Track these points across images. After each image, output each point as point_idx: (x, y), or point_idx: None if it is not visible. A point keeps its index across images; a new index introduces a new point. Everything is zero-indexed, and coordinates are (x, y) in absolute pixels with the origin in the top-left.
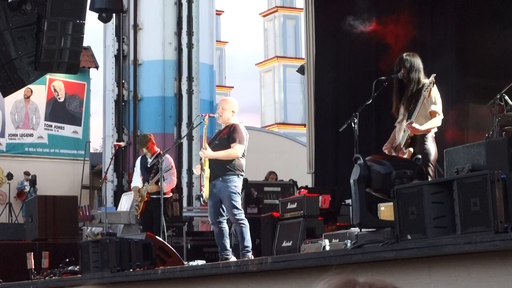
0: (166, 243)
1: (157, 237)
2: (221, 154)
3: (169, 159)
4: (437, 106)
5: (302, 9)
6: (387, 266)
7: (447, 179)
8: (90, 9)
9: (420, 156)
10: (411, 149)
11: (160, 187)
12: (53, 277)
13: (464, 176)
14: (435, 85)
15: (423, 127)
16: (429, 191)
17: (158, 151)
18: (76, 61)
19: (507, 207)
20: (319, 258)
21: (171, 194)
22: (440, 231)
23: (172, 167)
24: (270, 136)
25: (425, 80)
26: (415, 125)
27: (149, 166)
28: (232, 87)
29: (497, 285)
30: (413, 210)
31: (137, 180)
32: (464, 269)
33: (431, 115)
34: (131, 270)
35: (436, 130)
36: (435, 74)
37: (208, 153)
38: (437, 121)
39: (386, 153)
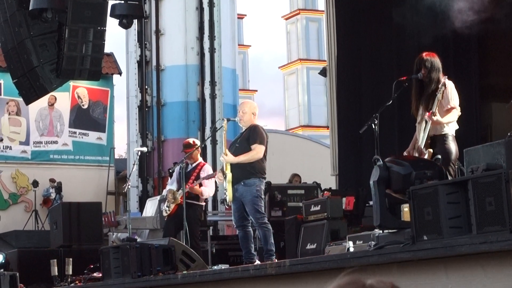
0: (189, 247)
1: (180, 241)
2: (243, 158)
3: (209, 168)
4: (454, 102)
5: (324, 11)
6: (404, 267)
7: (461, 179)
8: (111, 15)
9: (439, 156)
10: (431, 150)
11: (202, 191)
12: (77, 284)
13: (478, 176)
14: (450, 83)
15: (443, 120)
16: (444, 191)
17: (200, 161)
18: (97, 67)
19: None
20: (337, 260)
21: (204, 202)
22: (456, 231)
23: (213, 176)
24: (294, 138)
25: (442, 80)
26: (435, 117)
27: (188, 171)
28: (256, 91)
29: None
30: (429, 210)
31: (173, 185)
32: (480, 269)
33: (447, 112)
34: (152, 275)
35: (457, 127)
36: (446, 76)
37: (229, 158)
38: (455, 115)
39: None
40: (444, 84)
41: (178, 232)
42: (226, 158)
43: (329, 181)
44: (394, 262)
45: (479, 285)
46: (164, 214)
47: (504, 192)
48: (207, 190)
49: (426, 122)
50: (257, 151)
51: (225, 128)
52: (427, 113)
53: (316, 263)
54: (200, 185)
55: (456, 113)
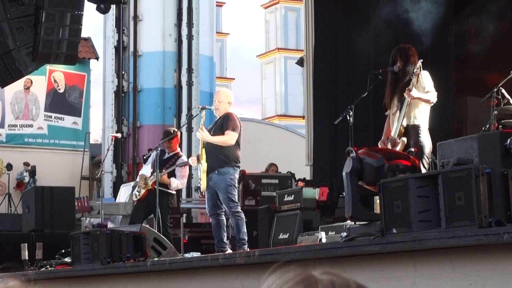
0: (161, 234)
1: (151, 228)
2: (217, 139)
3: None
4: (429, 86)
5: (302, 0)
6: (373, 260)
7: (432, 173)
8: (88, 0)
9: (413, 149)
10: (404, 139)
11: (170, 181)
12: (48, 268)
13: (449, 170)
14: (422, 69)
15: (422, 96)
16: (415, 185)
17: (178, 151)
18: (74, 52)
19: (491, 202)
20: (306, 251)
21: (175, 191)
22: (425, 225)
23: (187, 164)
24: (270, 128)
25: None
26: (413, 92)
27: (164, 159)
28: (233, 79)
29: (481, 279)
30: (399, 203)
31: (146, 170)
32: (448, 263)
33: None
34: (122, 262)
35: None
36: (422, 60)
37: (205, 135)
38: (432, 95)
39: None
40: (420, 68)
41: (146, 217)
42: (203, 133)
43: (304, 171)
44: (363, 255)
45: (447, 279)
46: (134, 198)
47: (474, 187)
48: (176, 182)
49: (400, 111)
50: (231, 136)
51: (203, 118)
52: (406, 91)
53: (285, 253)
54: (172, 174)
55: (434, 94)
